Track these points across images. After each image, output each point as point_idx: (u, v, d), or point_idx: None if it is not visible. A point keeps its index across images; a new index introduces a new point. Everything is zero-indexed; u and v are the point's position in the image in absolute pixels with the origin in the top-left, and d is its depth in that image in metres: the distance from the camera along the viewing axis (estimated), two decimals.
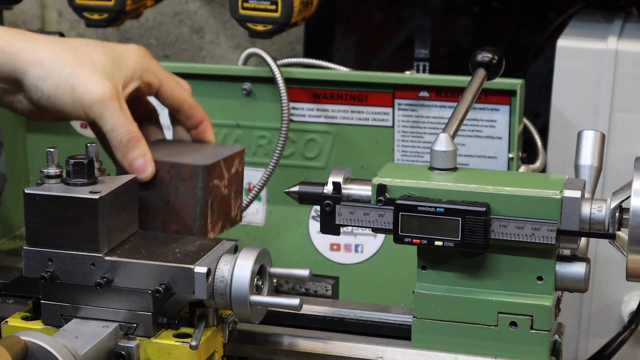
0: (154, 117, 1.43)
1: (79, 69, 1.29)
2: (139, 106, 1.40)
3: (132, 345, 1.21)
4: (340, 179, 1.26)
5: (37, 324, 1.26)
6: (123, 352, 1.21)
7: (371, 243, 1.87)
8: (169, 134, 1.93)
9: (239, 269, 1.20)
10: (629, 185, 1.18)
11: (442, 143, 1.26)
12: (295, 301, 1.21)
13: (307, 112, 1.86)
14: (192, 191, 1.29)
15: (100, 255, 1.22)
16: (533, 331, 1.23)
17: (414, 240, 1.21)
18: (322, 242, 1.89)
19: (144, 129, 1.42)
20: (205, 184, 1.29)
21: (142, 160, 1.29)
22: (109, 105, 1.28)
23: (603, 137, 1.29)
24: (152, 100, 1.42)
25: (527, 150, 1.85)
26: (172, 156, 1.32)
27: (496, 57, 1.43)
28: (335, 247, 1.88)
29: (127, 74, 1.33)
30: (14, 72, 1.29)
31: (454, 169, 1.26)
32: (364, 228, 1.25)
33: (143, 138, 1.31)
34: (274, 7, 1.75)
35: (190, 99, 1.40)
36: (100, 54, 1.32)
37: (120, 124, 1.28)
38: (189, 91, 1.41)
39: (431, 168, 1.27)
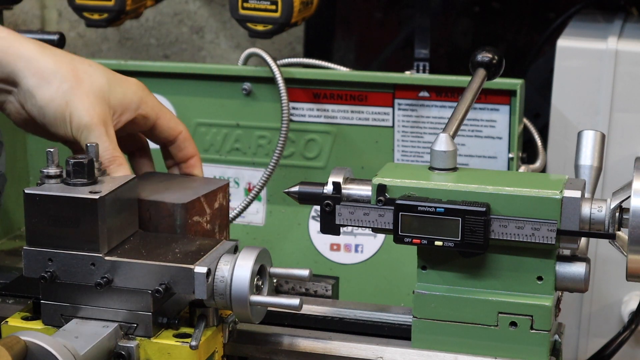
0: (146, 150, 1.44)
1: (77, 87, 1.30)
2: (131, 138, 1.42)
3: (132, 345, 1.21)
4: (340, 179, 1.26)
5: (37, 324, 1.26)
6: (123, 352, 1.21)
7: (371, 243, 1.87)
8: None
9: (239, 269, 1.20)
10: (629, 185, 1.18)
11: (442, 143, 1.26)
12: (295, 301, 1.21)
13: (307, 112, 1.86)
14: (171, 228, 1.29)
15: (100, 255, 1.21)
16: (533, 331, 1.23)
17: (414, 240, 1.21)
18: (322, 242, 1.89)
19: (135, 161, 1.43)
20: (184, 221, 1.29)
21: None
22: (95, 130, 1.29)
23: (603, 137, 1.29)
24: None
25: (527, 150, 1.85)
26: (154, 193, 1.32)
27: (496, 57, 1.43)
28: (335, 247, 1.88)
29: (123, 102, 1.34)
30: (14, 73, 1.30)
31: (454, 169, 1.26)
32: (364, 228, 1.25)
33: (127, 163, 1.31)
34: (274, 7, 1.75)
35: (186, 132, 1.42)
36: (100, 76, 1.33)
37: (104, 147, 1.29)
38: (185, 126, 1.42)
39: (431, 168, 1.27)
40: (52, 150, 1.25)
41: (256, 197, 1.79)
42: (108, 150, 1.29)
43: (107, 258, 1.21)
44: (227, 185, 1.38)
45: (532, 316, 1.22)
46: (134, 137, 1.42)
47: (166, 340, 1.22)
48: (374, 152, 1.85)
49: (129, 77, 1.37)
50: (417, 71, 1.94)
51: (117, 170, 1.29)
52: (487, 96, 1.76)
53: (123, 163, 1.30)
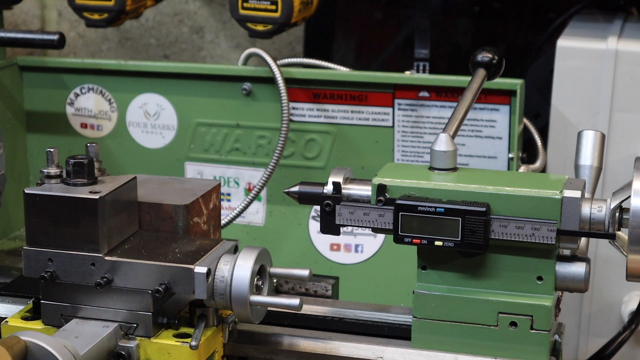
0: None
1: None
2: None
3: (132, 345, 1.21)
4: (340, 179, 1.26)
5: (37, 324, 1.26)
6: (123, 352, 1.21)
7: (371, 243, 1.87)
8: (169, 134, 1.93)
9: (239, 269, 1.20)
10: (629, 185, 1.18)
11: (442, 143, 1.26)
12: (295, 301, 1.21)
13: (307, 112, 1.86)
14: (172, 230, 1.29)
15: (100, 255, 1.21)
16: (533, 331, 1.23)
17: (414, 240, 1.21)
18: (322, 242, 1.89)
19: None
20: (186, 223, 1.29)
21: None
22: None
23: (603, 137, 1.29)
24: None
25: (527, 150, 1.85)
26: (151, 195, 1.31)
27: (496, 57, 1.43)
28: (335, 247, 1.88)
29: None
30: None
31: (454, 169, 1.26)
32: (364, 228, 1.25)
33: None
34: (274, 7, 1.75)
35: None
36: None
37: None
38: None
39: (431, 168, 1.27)
40: (52, 150, 1.25)
41: (256, 197, 1.79)
42: None
43: (107, 258, 1.21)
44: (219, 185, 1.38)
45: (532, 316, 1.22)
46: None
47: (166, 340, 1.22)
48: (374, 152, 1.85)
49: None
50: (417, 71, 1.95)
51: None
52: (487, 96, 1.76)
53: None
